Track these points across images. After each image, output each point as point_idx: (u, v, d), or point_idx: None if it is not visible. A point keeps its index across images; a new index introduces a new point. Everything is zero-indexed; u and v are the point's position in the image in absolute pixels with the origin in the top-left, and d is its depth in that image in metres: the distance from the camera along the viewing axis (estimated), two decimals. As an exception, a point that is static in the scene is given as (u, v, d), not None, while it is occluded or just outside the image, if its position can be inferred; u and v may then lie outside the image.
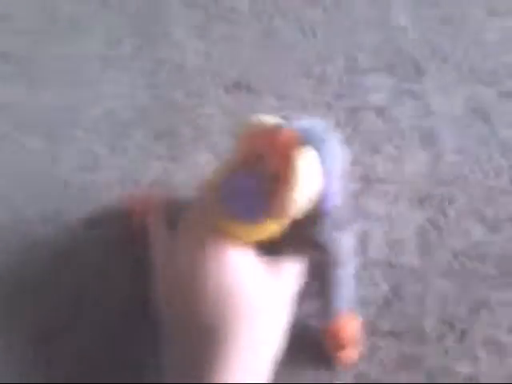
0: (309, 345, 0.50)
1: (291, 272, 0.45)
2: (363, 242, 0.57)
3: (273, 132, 0.41)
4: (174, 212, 0.51)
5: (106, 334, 0.53)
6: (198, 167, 0.64)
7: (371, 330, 0.52)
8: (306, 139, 0.42)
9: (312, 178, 0.41)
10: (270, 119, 0.44)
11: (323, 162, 0.42)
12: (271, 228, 0.42)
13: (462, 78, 0.68)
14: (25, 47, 0.74)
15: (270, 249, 0.46)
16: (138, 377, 0.50)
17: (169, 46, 0.74)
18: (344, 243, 0.49)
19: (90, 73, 0.73)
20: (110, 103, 0.70)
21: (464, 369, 0.50)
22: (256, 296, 0.40)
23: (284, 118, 0.43)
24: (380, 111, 0.66)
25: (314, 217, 0.45)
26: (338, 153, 0.46)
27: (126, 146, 0.66)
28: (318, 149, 0.43)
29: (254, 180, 0.42)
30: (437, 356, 0.50)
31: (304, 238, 0.46)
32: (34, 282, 0.57)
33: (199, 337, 0.38)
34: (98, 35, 0.76)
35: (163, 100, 0.70)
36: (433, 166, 0.61)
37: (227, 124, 0.67)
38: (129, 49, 0.75)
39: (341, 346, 0.48)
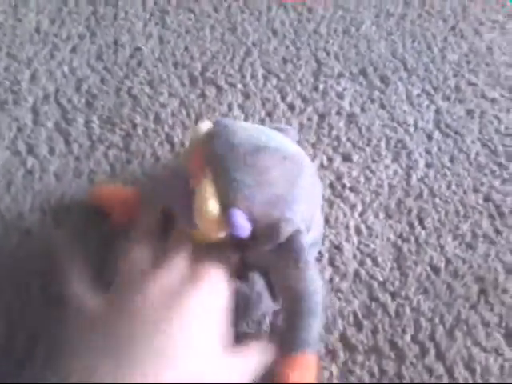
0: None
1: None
2: (332, 255, 0.52)
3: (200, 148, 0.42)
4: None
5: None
6: (156, 162, 0.57)
7: (344, 345, 0.47)
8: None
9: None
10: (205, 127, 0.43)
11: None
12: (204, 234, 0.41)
13: (428, 93, 0.66)
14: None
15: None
16: None
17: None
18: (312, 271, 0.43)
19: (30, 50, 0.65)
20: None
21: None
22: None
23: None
24: (350, 117, 0.63)
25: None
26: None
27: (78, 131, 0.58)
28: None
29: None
30: (413, 374, 0.46)
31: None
32: None
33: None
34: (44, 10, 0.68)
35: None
36: (404, 178, 0.58)
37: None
38: (82, 29, 0.68)
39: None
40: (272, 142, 0.42)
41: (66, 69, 0.65)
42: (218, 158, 0.40)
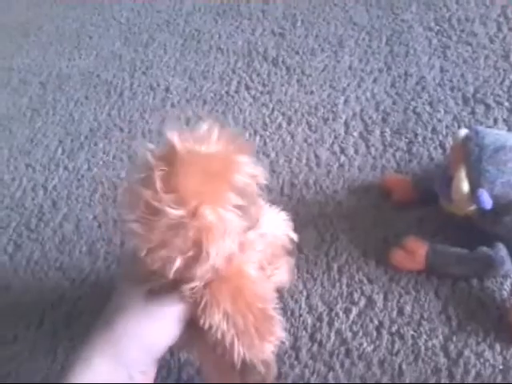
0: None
1: None
2: None
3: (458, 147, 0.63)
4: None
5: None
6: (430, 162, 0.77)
7: None
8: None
9: None
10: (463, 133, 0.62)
11: None
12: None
13: None
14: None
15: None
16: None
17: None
18: None
19: (345, 82, 0.92)
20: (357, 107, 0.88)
21: None
22: None
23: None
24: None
25: None
26: None
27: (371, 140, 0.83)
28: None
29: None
30: None
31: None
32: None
33: None
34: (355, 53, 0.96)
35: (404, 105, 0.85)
36: None
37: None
38: (381, 65, 0.93)
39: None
40: (511, 142, 0.58)
41: (368, 95, 0.90)
42: (470, 154, 0.59)
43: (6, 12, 1.45)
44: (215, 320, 0.48)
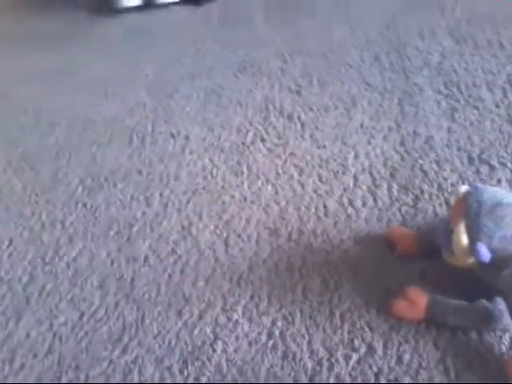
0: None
1: None
2: None
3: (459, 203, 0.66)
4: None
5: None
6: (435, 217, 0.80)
7: None
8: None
9: None
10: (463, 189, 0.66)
11: None
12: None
13: None
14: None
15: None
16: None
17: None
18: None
19: (355, 138, 0.97)
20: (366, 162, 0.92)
21: None
22: None
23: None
24: None
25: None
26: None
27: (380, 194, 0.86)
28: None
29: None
30: None
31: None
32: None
33: None
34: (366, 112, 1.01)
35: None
36: None
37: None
38: (391, 123, 0.97)
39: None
40: (508, 199, 0.61)
41: (378, 151, 0.94)
42: (470, 209, 0.61)
43: (42, 58, 1.55)
44: None
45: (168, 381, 0.68)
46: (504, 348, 0.62)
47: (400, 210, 0.83)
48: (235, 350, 0.69)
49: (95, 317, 0.78)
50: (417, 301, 0.66)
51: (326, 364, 0.66)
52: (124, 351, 0.72)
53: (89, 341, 0.75)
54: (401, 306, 0.67)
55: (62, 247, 0.92)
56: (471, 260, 0.62)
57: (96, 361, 0.72)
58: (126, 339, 0.74)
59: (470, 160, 0.87)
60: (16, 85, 1.42)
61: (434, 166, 0.88)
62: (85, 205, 1.00)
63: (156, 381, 0.68)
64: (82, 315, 0.79)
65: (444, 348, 0.64)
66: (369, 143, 0.96)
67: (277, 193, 0.91)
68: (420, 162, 0.89)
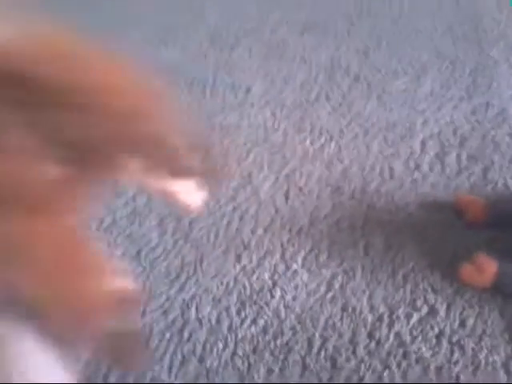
0: None
1: None
2: None
3: None
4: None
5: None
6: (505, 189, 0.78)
7: None
8: None
9: None
10: None
11: None
12: None
13: None
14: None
15: None
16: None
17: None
18: None
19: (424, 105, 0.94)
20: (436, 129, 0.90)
21: None
22: None
23: None
24: None
25: None
26: None
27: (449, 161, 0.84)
28: None
29: None
30: None
31: None
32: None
33: None
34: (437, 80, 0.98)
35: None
36: None
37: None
38: (462, 93, 0.94)
39: None
40: None
41: (447, 119, 0.91)
42: None
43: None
44: None
45: (225, 321, 0.68)
46: None
47: (469, 178, 0.81)
48: (293, 298, 0.69)
49: (154, 254, 0.79)
50: (486, 267, 0.65)
51: (386, 320, 0.65)
52: (181, 289, 0.73)
53: (146, 276, 0.76)
54: (468, 271, 0.66)
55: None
56: None
57: (153, 296, 0.73)
58: (183, 278, 0.74)
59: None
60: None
61: (507, 138, 0.85)
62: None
63: (213, 320, 0.69)
64: (139, 251, 0.80)
65: (510, 318, 0.63)
66: (438, 110, 0.94)
67: (340, 151, 0.90)
68: (492, 133, 0.87)
